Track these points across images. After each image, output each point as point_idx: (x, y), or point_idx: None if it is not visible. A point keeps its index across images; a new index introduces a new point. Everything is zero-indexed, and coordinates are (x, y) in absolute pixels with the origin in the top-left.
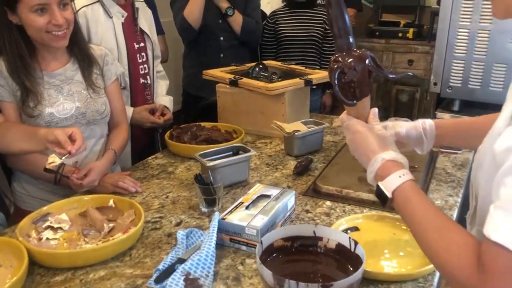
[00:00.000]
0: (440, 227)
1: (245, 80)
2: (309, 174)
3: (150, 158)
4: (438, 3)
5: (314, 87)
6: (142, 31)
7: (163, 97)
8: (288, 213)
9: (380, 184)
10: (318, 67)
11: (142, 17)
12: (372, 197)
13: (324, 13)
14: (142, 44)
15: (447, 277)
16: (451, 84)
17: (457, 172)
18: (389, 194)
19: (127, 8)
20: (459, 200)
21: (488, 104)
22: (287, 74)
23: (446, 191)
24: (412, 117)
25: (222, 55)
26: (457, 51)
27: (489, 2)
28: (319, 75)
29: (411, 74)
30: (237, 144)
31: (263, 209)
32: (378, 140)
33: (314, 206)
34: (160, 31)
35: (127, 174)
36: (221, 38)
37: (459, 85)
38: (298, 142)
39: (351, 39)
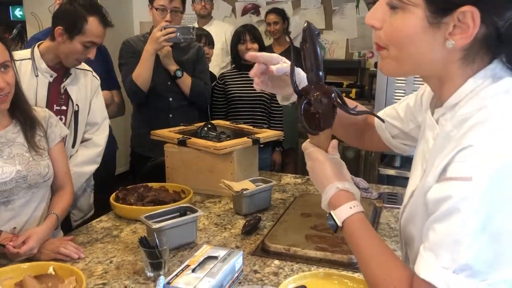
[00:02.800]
0: (381, 260)
1: (193, 139)
2: (258, 233)
3: (94, 221)
4: (376, 66)
5: (262, 145)
6: (68, 95)
7: None
8: (236, 274)
9: (332, 212)
10: (266, 125)
11: (75, 83)
12: (319, 254)
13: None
14: (63, 107)
15: None
16: None
17: None
18: (339, 223)
19: (59, 70)
20: (402, 254)
21: None
22: (236, 134)
23: (390, 246)
24: (358, 173)
25: (171, 115)
26: None
27: None
28: (267, 134)
29: (372, 112)
30: (185, 205)
31: (210, 271)
32: (335, 170)
33: (262, 265)
34: (114, 85)
35: (69, 239)
36: (170, 99)
37: None
38: (247, 200)
39: (321, 74)
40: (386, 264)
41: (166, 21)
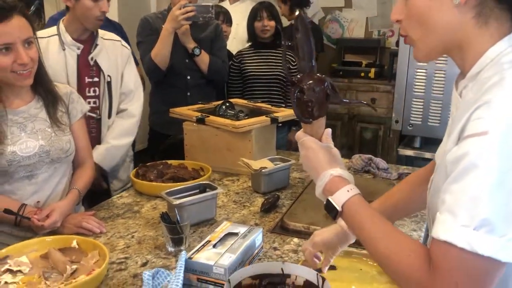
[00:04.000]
0: (389, 233)
1: (212, 118)
2: (277, 211)
3: (115, 197)
4: (397, 44)
5: (280, 124)
6: (98, 67)
7: (98, 148)
8: (256, 251)
9: (330, 198)
10: (283, 105)
11: (104, 54)
12: None
13: (288, 53)
14: (96, 79)
15: (400, 277)
16: (411, 121)
17: None
18: (338, 208)
19: (86, 42)
20: (423, 234)
21: None
22: (254, 112)
23: (410, 226)
24: (376, 154)
25: (189, 94)
26: (416, 90)
27: None
28: (285, 113)
29: (364, 102)
30: (204, 182)
31: (230, 247)
32: (328, 157)
33: (281, 243)
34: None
35: (91, 214)
36: (188, 77)
37: (419, 122)
38: (265, 179)
39: (313, 63)
40: (395, 238)
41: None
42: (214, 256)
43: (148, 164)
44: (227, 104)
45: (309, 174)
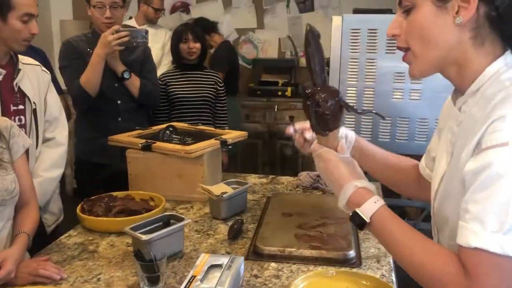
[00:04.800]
0: (421, 243)
1: (159, 144)
2: (243, 237)
3: (63, 237)
4: (327, 64)
5: (230, 147)
6: (22, 93)
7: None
8: (240, 281)
9: (358, 210)
10: (212, 126)
11: (27, 79)
12: (314, 253)
13: (215, 75)
14: (21, 107)
15: (435, 285)
16: None
17: None
18: (367, 219)
19: (6, 67)
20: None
21: None
22: (198, 136)
23: (375, 240)
24: (297, 170)
25: (120, 119)
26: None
27: (372, 63)
28: (233, 135)
29: (375, 112)
30: (168, 213)
31: (219, 280)
32: (349, 168)
33: (260, 269)
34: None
35: (45, 259)
36: (119, 102)
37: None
38: (226, 204)
39: (325, 75)
40: (428, 248)
41: (106, 17)
42: None
43: (93, 197)
44: (171, 129)
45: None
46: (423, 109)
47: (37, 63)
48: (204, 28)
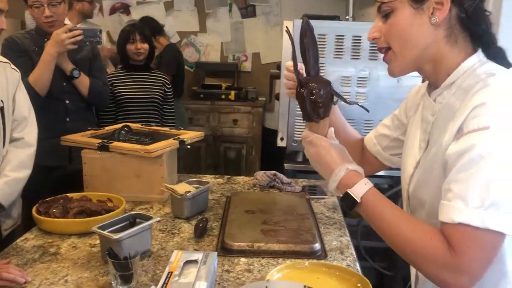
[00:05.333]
0: (408, 221)
1: (117, 143)
2: (209, 234)
3: (19, 240)
4: (278, 68)
5: (189, 146)
6: None
7: None
8: (215, 276)
9: (349, 191)
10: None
11: None
12: (282, 247)
13: (163, 76)
14: None
15: (426, 259)
16: (295, 138)
17: (334, 214)
18: (358, 199)
19: None
20: (349, 239)
21: None
22: (154, 136)
23: (336, 233)
24: (240, 172)
25: (68, 119)
26: (298, 109)
27: (321, 67)
28: (190, 135)
29: (360, 104)
30: (134, 212)
31: (198, 275)
32: (339, 153)
33: (231, 264)
34: None
35: (6, 262)
36: (67, 102)
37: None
38: (189, 203)
39: (318, 67)
40: (416, 225)
41: (46, 16)
42: (186, 286)
43: (48, 199)
44: (126, 129)
45: (318, 171)
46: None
47: (6, 60)
48: (151, 29)
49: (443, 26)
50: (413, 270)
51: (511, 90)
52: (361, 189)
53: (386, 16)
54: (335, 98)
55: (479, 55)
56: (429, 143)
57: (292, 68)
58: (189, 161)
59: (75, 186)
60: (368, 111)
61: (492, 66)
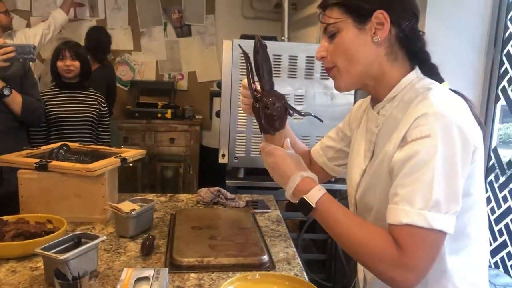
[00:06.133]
0: (359, 224)
1: (56, 163)
2: (156, 252)
3: None
4: (219, 86)
5: (131, 164)
6: None
7: None
8: None
9: (304, 197)
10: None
11: None
12: (232, 260)
13: (98, 95)
14: None
15: (375, 259)
16: (236, 154)
17: (278, 227)
18: (313, 205)
19: None
20: (295, 249)
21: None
22: (94, 155)
23: (282, 245)
24: (178, 191)
25: None
26: (239, 126)
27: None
28: (131, 153)
29: (313, 115)
30: (78, 232)
31: None
32: (295, 162)
33: (182, 280)
34: None
35: None
36: None
37: (243, 155)
38: (134, 221)
39: (272, 81)
40: (366, 227)
41: None
42: None
43: None
44: (65, 148)
45: (275, 180)
46: (305, 127)
47: None
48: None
49: (384, 44)
50: (360, 274)
51: (446, 102)
52: (315, 194)
53: (331, 36)
54: (290, 111)
55: (417, 72)
56: (374, 152)
57: (247, 85)
58: (125, 182)
59: (8, 210)
60: (321, 121)
61: (429, 81)
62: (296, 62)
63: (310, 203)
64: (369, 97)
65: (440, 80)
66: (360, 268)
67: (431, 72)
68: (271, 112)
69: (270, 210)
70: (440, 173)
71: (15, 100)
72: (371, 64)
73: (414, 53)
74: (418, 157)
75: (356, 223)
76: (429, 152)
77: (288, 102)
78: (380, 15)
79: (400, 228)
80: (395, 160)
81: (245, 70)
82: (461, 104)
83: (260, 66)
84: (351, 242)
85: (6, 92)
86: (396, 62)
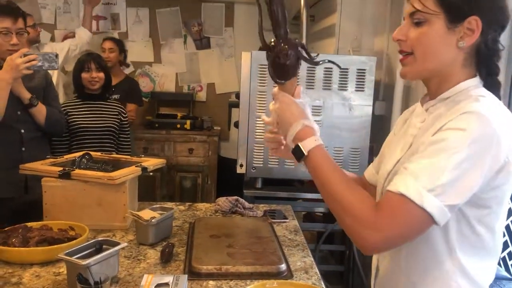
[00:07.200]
0: (345, 179)
1: (79, 171)
2: (175, 260)
3: None
4: (237, 97)
5: (151, 173)
6: None
7: None
8: None
9: (300, 144)
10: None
11: None
12: (250, 268)
13: (119, 105)
14: None
15: (350, 215)
16: (254, 165)
17: (296, 236)
18: (305, 152)
19: None
20: (312, 259)
21: (284, 180)
22: (115, 164)
23: (299, 254)
24: (197, 200)
25: (23, 149)
26: (257, 137)
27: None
28: (152, 162)
29: (328, 60)
30: (100, 239)
31: None
32: (300, 110)
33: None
34: None
35: None
36: (22, 131)
37: (261, 165)
38: (154, 229)
39: (287, 28)
40: (350, 183)
41: (12, 44)
42: None
43: (7, 229)
44: (87, 157)
45: (281, 127)
46: (322, 138)
47: None
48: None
49: (465, 50)
50: (374, 263)
51: (494, 109)
52: (310, 143)
53: (417, 23)
54: (301, 60)
55: (477, 79)
56: (412, 145)
57: (269, 133)
58: (144, 191)
59: (32, 217)
60: (340, 67)
61: (484, 90)
62: (314, 73)
63: (303, 150)
64: (412, 107)
65: (498, 97)
66: (374, 257)
67: (493, 87)
68: (281, 62)
69: (287, 220)
70: (458, 164)
71: (41, 111)
72: (445, 65)
73: (486, 64)
74: (443, 143)
75: (342, 177)
76: (457, 142)
77: (301, 51)
78: (474, 22)
79: (393, 195)
80: (424, 140)
81: (264, 80)
82: (509, 117)
83: (276, 10)
84: (333, 194)
85: (34, 102)
86: (466, 67)
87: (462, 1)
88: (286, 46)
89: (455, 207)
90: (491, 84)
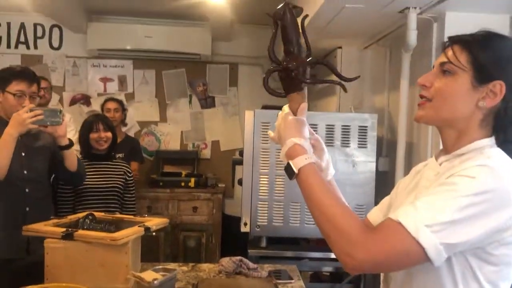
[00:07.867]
0: (335, 198)
1: (81, 232)
2: None
3: None
4: (241, 154)
5: (154, 233)
6: None
7: None
8: None
9: (290, 162)
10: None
11: None
12: None
13: (124, 165)
14: None
15: (340, 231)
16: (259, 223)
17: None
18: (296, 170)
19: None
20: None
21: (289, 238)
22: (119, 224)
23: None
24: (200, 260)
25: (28, 209)
26: (261, 194)
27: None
28: (154, 222)
29: (338, 75)
30: None
31: None
32: (296, 128)
33: None
34: None
35: None
36: (27, 190)
37: (265, 223)
38: None
39: (300, 48)
40: (340, 202)
41: (24, 106)
42: None
43: None
44: (90, 217)
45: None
46: None
47: None
48: None
49: (484, 111)
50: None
51: (507, 166)
52: (300, 162)
53: (445, 72)
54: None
55: (492, 140)
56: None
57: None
58: (147, 251)
59: (33, 279)
60: (345, 88)
61: (499, 150)
62: (316, 131)
63: (294, 168)
64: (426, 161)
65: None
66: None
67: (507, 150)
68: (282, 76)
69: (293, 281)
70: (462, 208)
71: (74, 153)
72: (459, 119)
73: (504, 130)
74: (453, 186)
75: (333, 197)
76: (465, 188)
77: (308, 69)
78: (499, 86)
79: (391, 221)
80: (431, 185)
81: (267, 138)
82: None
83: (289, 28)
84: (323, 213)
85: (71, 142)
86: (483, 128)
87: (492, 64)
88: (294, 62)
89: (452, 247)
90: (507, 150)
